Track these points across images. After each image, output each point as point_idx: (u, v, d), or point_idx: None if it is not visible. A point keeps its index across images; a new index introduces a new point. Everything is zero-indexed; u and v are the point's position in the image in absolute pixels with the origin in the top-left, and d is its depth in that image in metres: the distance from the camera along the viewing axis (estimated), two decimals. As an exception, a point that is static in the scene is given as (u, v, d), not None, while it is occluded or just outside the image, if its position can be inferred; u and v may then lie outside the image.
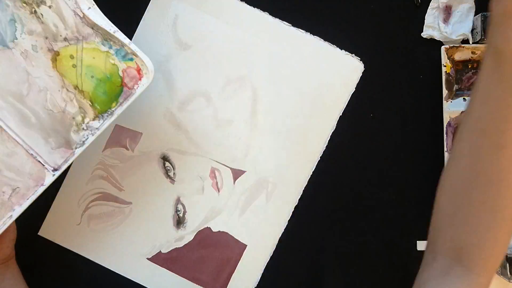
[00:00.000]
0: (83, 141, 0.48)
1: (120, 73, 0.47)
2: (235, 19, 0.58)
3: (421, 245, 0.60)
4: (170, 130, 0.59)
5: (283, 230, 0.60)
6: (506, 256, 0.57)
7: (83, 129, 0.48)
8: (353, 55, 0.59)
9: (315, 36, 0.59)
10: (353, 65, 0.59)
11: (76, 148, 0.48)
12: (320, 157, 0.59)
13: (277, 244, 0.60)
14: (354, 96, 0.59)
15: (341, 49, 0.59)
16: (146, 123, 0.59)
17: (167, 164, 0.59)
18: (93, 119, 0.48)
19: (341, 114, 0.59)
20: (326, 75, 0.59)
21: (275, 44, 0.59)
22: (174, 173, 0.59)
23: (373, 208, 0.60)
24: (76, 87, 0.47)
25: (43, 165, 0.49)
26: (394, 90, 0.59)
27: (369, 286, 0.60)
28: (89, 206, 0.59)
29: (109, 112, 0.48)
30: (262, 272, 0.60)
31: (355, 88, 0.59)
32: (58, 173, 0.49)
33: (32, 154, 0.48)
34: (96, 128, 0.48)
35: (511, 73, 0.35)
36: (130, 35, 0.58)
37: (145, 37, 0.58)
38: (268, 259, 0.60)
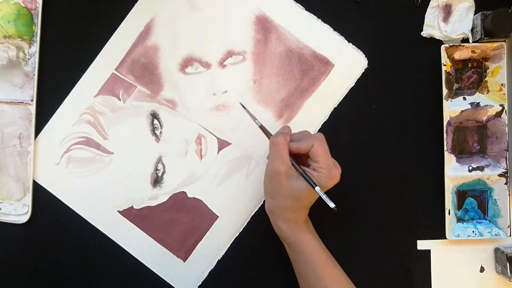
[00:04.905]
0: (34, 66, 0.58)
1: (22, 5, 0.57)
2: (249, -9, 0.58)
3: (421, 245, 0.60)
4: (165, 89, 0.59)
5: (257, 209, 0.59)
6: (506, 255, 0.57)
7: (28, 59, 0.58)
8: (359, 50, 0.59)
9: (325, 24, 0.59)
10: (358, 59, 0.59)
11: (34, 75, 0.58)
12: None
13: (249, 221, 0.59)
14: (354, 95, 0.59)
15: (349, 42, 0.59)
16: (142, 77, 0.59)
17: (155, 121, 0.59)
18: (29, 47, 0.57)
19: (336, 106, 0.59)
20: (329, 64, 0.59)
21: (286, 24, 0.58)
22: (160, 132, 0.59)
23: (373, 208, 0.60)
24: (4, 37, 0.58)
25: (24, 103, 0.58)
26: (394, 89, 0.59)
27: (369, 285, 0.60)
28: (71, 148, 0.59)
29: (35, 34, 0.58)
30: (228, 246, 0.60)
31: (356, 86, 0.59)
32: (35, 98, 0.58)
33: (11, 102, 0.58)
34: (35, 52, 0.58)
35: (293, 247, 0.53)
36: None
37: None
38: (237, 235, 0.60)
